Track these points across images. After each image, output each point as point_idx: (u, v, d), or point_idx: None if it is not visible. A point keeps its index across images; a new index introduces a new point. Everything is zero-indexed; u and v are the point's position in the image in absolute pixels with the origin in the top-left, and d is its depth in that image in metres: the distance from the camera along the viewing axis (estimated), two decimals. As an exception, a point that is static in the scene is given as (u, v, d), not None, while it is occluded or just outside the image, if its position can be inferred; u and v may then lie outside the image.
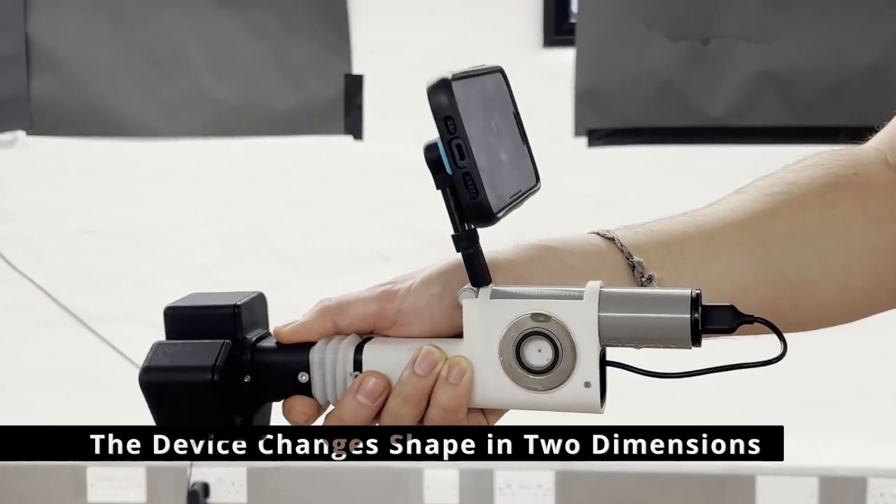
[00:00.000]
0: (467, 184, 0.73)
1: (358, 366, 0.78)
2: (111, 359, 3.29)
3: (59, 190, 3.30)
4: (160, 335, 0.76)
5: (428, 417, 0.77)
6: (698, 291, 0.74)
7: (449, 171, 0.73)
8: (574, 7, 3.20)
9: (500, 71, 0.79)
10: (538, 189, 0.82)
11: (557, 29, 3.19)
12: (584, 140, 3.16)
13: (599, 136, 3.16)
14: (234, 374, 0.79)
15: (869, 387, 3.15)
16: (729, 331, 0.74)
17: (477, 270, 0.77)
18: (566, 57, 3.13)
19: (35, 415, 3.33)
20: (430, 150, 0.74)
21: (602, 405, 0.76)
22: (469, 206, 0.73)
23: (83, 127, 3.27)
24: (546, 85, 3.09)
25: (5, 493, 3.34)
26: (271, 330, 0.82)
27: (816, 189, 0.89)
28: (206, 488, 3.28)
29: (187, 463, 3.26)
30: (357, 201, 3.27)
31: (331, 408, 0.81)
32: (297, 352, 0.79)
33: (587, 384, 0.75)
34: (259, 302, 0.83)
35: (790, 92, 3.11)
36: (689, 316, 0.73)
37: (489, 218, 0.74)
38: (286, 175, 3.27)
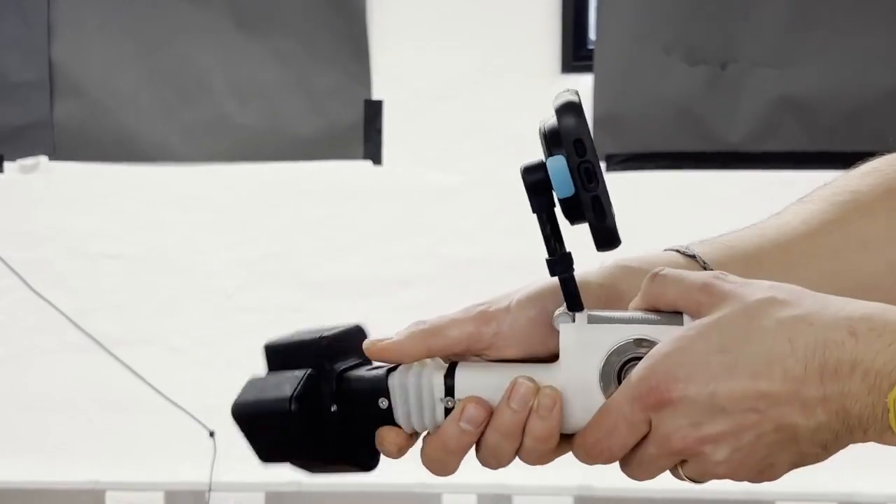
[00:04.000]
0: (595, 208, 0.72)
1: (450, 391, 0.76)
2: (132, 383, 3.30)
3: (82, 214, 3.33)
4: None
5: (522, 448, 0.76)
6: None
7: (561, 194, 0.72)
8: (592, 33, 3.21)
9: (576, 91, 0.79)
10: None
11: (575, 55, 3.21)
12: (602, 165, 3.17)
13: (618, 161, 3.17)
14: (319, 403, 0.78)
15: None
16: None
17: (574, 295, 0.75)
18: (584, 83, 3.14)
19: (56, 439, 3.34)
20: (533, 172, 0.73)
21: None
22: (598, 230, 0.72)
23: (106, 152, 3.29)
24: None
25: (26, 516, 3.35)
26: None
27: (880, 195, 0.90)
28: (225, 512, 3.29)
29: (205, 487, 3.27)
30: (377, 226, 3.28)
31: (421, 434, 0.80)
32: (377, 376, 0.78)
33: None
34: (355, 332, 0.81)
35: (809, 117, 3.11)
36: None
37: (616, 242, 0.73)
38: (306, 200, 3.29)
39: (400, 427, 0.78)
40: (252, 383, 0.80)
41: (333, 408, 0.78)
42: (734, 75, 3.12)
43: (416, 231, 3.24)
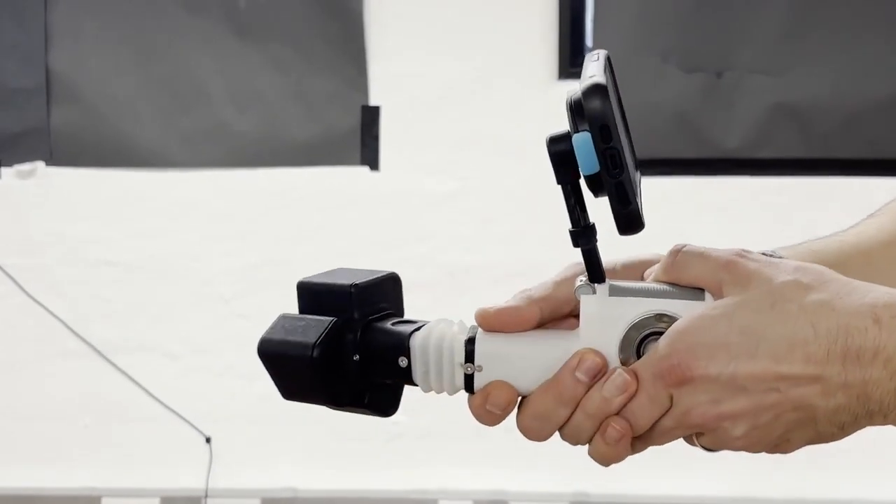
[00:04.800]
0: (619, 194, 0.72)
1: (470, 357, 0.76)
2: (129, 389, 3.30)
3: (79, 221, 3.33)
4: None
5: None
6: None
7: (585, 171, 0.72)
8: (589, 40, 3.22)
9: (609, 57, 0.78)
10: (641, 178, 0.81)
11: (572, 62, 3.21)
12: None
13: (615, 167, 3.17)
14: (341, 351, 0.79)
15: None
16: None
17: (596, 266, 0.76)
18: (581, 89, 3.15)
19: (53, 445, 3.34)
20: (558, 142, 0.73)
21: None
22: (620, 215, 0.73)
23: (103, 158, 3.30)
24: (561, 117, 3.09)
25: (22, 522, 3.35)
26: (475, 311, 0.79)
27: None
28: (221, 518, 3.29)
29: (202, 493, 3.27)
30: (374, 232, 3.28)
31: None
32: (400, 335, 0.79)
33: None
34: (390, 280, 0.82)
35: (805, 124, 3.12)
36: None
37: (638, 227, 0.74)
38: (304, 206, 3.29)
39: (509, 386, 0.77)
40: (282, 321, 0.81)
41: (356, 357, 0.79)
42: (730, 83, 3.13)
43: (414, 237, 3.25)
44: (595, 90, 0.71)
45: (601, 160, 0.71)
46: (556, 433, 0.77)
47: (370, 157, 3.26)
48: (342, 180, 3.28)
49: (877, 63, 3.10)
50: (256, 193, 3.30)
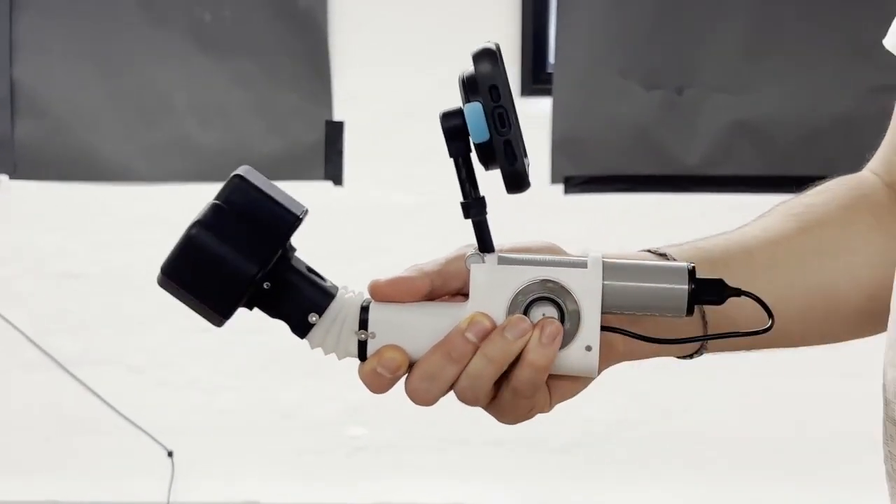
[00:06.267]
0: (506, 152, 0.76)
1: (364, 324, 0.79)
2: (91, 402, 3.29)
3: (42, 234, 3.32)
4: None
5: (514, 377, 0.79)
6: (693, 265, 0.80)
7: (476, 139, 0.76)
8: (551, 57, 3.25)
9: (499, 48, 0.82)
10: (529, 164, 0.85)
11: (535, 78, 3.24)
12: (560, 187, 3.20)
13: (576, 183, 3.21)
14: (268, 271, 0.80)
15: (854, 430, 3.18)
16: (718, 302, 0.80)
17: (485, 237, 0.79)
18: (543, 106, 3.18)
19: (14, 458, 3.32)
20: (450, 118, 0.78)
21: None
22: (508, 173, 0.76)
23: (67, 171, 3.29)
24: (523, 133, 3.12)
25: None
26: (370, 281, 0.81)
27: (833, 209, 0.97)
28: (183, 532, 3.28)
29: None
30: (338, 247, 3.29)
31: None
32: (323, 293, 0.81)
33: (588, 348, 0.79)
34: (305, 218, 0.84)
35: (764, 141, 3.16)
36: (686, 287, 0.79)
37: (525, 184, 0.77)
38: (267, 220, 3.30)
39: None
40: (220, 214, 0.79)
41: (267, 285, 0.80)
42: (690, 100, 3.17)
43: (377, 251, 3.26)
44: (485, 53, 0.77)
45: (490, 122, 0.76)
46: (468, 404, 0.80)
47: (334, 172, 3.27)
48: (306, 195, 3.27)
49: (836, 81, 3.14)
50: (220, 207, 3.30)
